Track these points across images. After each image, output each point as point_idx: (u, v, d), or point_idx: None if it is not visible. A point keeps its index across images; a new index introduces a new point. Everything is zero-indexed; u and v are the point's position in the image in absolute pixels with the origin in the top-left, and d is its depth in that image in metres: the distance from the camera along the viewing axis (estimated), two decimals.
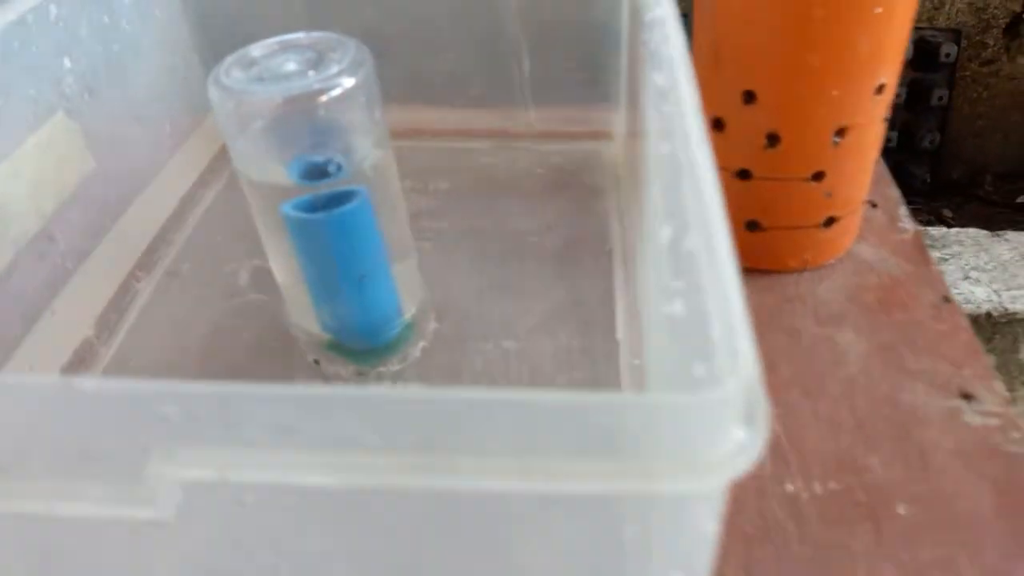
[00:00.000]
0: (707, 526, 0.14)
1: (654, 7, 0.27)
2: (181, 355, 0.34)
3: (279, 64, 0.26)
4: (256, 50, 0.27)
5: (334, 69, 0.26)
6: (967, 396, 0.32)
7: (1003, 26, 1.17)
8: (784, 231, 0.36)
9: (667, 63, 0.24)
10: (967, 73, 1.18)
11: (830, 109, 0.32)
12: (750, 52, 0.33)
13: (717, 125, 0.35)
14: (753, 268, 0.38)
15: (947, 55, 1.13)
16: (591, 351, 0.33)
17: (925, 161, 1.21)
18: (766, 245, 0.37)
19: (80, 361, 0.33)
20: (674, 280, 0.19)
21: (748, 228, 0.37)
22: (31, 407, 0.13)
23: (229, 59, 0.26)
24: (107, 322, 0.35)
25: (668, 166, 0.21)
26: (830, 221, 0.36)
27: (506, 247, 0.39)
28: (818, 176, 0.34)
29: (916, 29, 1.14)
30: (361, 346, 0.33)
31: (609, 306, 0.35)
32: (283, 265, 0.32)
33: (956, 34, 1.17)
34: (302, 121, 0.26)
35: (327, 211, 0.28)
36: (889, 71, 0.33)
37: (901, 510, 0.28)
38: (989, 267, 0.60)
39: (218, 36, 0.42)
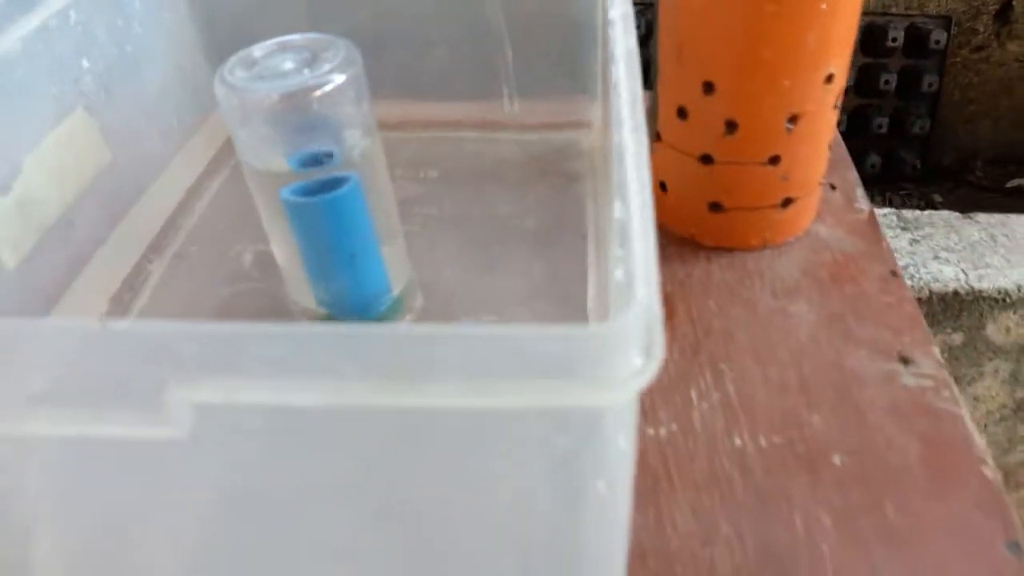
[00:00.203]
0: (620, 441, 0.17)
1: (612, 7, 0.30)
2: None
3: (277, 63, 0.30)
4: (257, 51, 0.30)
5: (326, 67, 0.29)
6: (905, 360, 0.35)
7: (993, 12, 1.18)
8: (745, 212, 0.39)
9: (619, 59, 0.27)
10: (957, 60, 1.20)
11: (782, 98, 0.35)
12: (709, 47, 0.36)
13: (681, 114, 0.38)
14: (717, 246, 0.41)
15: (937, 42, 1.15)
16: (563, 321, 0.36)
17: (915, 147, 1.24)
18: (728, 225, 0.40)
19: None
20: (619, 249, 0.22)
21: (711, 209, 0.40)
22: (69, 346, 0.17)
23: (232, 59, 0.30)
24: (121, 301, 0.39)
25: (615, 151, 0.24)
26: (787, 202, 0.39)
27: (490, 230, 0.42)
28: (774, 160, 0.37)
29: (906, 16, 1.16)
30: (353, 320, 0.36)
31: (582, 282, 0.38)
32: (282, 247, 0.35)
33: (946, 21, 1.19)
34: (298, 114, 0.29)
35: (321, 195, 0.31)
36: (837, 62, 0.36)
37: (836, 461, 0.31)
38: (959, 248, 0.62)
39: (223, 38, 0.45)
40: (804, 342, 0.36)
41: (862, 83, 1.17)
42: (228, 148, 0.48)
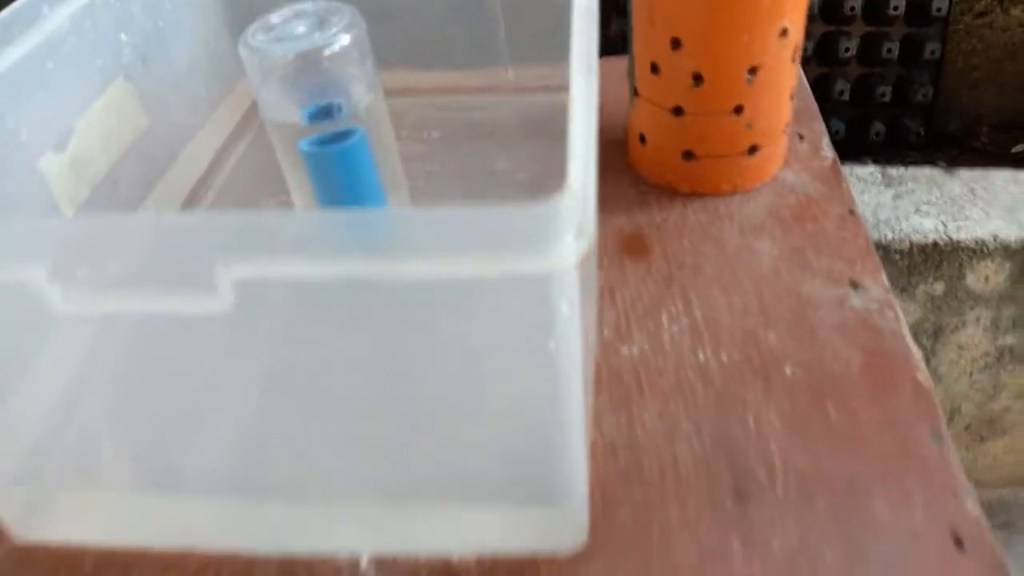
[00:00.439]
0: (564, 306, 0.21)
1: None
2: None
3: (292, 28, 0.34)
4: (274, 17, 0.35)
5: (334, 30, 0.34)
6: (855, 286, 0.39)
7: None
8: (714, 159, 0.43)
9: (577, 24, 0.31)
10: (960, 26, 1.21)
11: (741, 51, 0.39)
12: (676, 6, 0.39)
13: (653, 69, 0.42)
14: (691, 192, 0.45)
15: (938, 9, 1.16)
16: None
17: (919, 115, 1.26)
18: (700, 172, 0.44)
19: None
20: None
21: (684, 158, 0.44)
22: (137, 237, 0.21)
23: (253, 25, 0.34)
24: None
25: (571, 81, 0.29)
26: (753, 149, 0.43)
27: (486, 183, 0.46)
28: (738, 110, 0.41)
29: None
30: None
31: None
32: (301, 195, 0.40)
33: None
34: (310, 72, 0.34)
35: (333, 145, 0.35)
36: (791, 17, 0.39)
37: (788, 371, 0.35)
38: (939, 202, 0.65)
39: (243, 13, 0.50)
40: (766, 273, 0.40)
41: (864, 52, 1.19)
42: (251, 116, 0.53)
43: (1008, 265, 0.63)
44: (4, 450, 0.28)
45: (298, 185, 0.40)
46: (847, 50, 1.21)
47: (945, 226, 0.63)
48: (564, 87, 0.53)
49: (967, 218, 0.64)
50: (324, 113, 0.35)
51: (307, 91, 0.34)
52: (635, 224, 0.44)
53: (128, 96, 0.42)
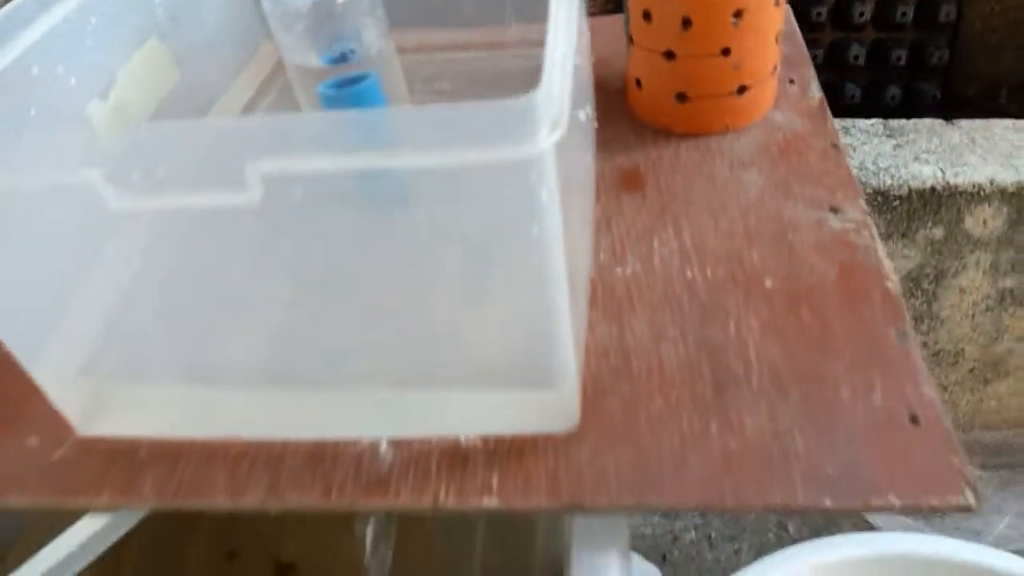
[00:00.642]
0: (544, 194, 0.25)
1: None
2: None
3: None
4: None
5: None
6: (834, 210, 0.42)
7: None
8: (706, 100, 0.46)
9: None
10: None
11: None
12: None
13: (646, 16, 0.45)
14: (686, 133, 0.48)
15: None
16: None
17: (934, 78, 1.26)
18: (693, 112, 0.47)
19: None
20: None
21: (678, 99, 0.47)
22: (179, 140, 0.25)
23: None
24: None
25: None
26: (742, 89, 0.46)
27: None
28: (726, 52, 0.44)
29: None
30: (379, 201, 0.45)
31: None
32: None
33: None
34: (326, 20, 0.37)
35: (348, 88, 0.39)
36: None
37: (767, 283, 0.38)
38: (939, 150, 0.67)
39: None
40: (752, 200, 0.43)
41: (879, 17, 1.20)
42: (274, 76, 0.57)
43: (1005, 209, 0.65)
44: (69, 348, 0.33)
45: None
46: (862, 15, 1.22)
47: (943, 172, 0.65)
48: None
49: (965, 164, 0.66)
50: (340, 57, 0.39)
51: (324, 37, 0.37)
52: (632, 162, 0.47)
53: (161, 53, 0.46)
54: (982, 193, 0.65)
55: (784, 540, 0.78)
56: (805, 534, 0.77)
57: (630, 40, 0.48)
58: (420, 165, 0.24)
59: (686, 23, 0.43)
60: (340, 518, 0.62)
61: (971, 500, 0.28)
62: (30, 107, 0.36)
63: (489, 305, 0.30)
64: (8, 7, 0.36)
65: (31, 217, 0.28)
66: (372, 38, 0.38)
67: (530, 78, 0.54)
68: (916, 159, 0.67)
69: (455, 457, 0.32)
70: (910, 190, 0.66)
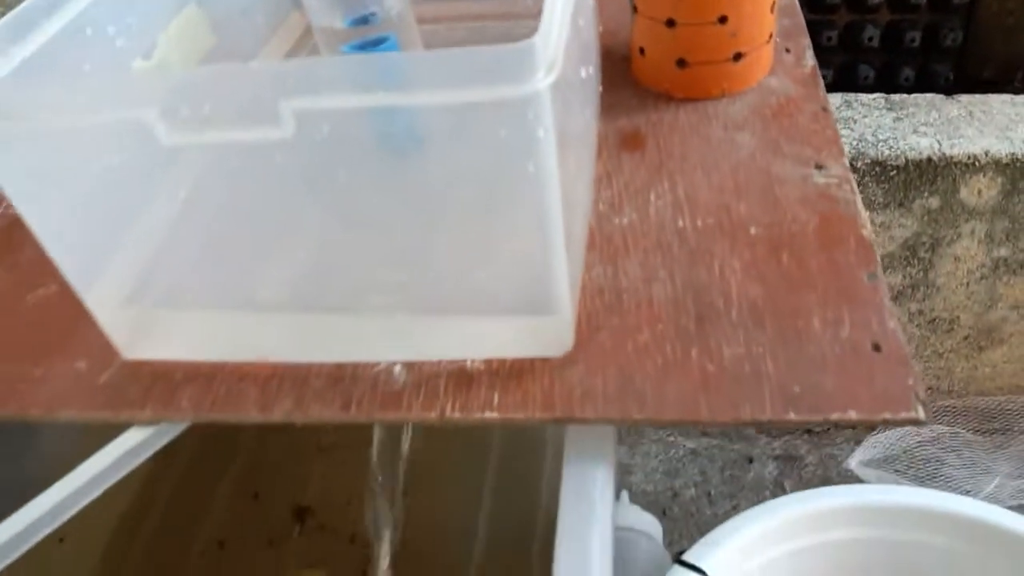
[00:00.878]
0: (540, 132, 0.28)
1: None
2: None
3: None
4: None
5: None
6: (819, 167, 0.45)
7: None
8: (704, 66, 0.49)
9: None
10: None
11: None
12: None
13: None
14: (686, 98, 0.51)
15: None
16: None
17: (948, 60, 1.27)
18: (692, 78, 0.50)
19: None
20: None
21: (678, 65, 0.50)
22: (220, 80, 0.29)
23: None
24: None
25: None
26: (739, 56, 0.49)
27: None
28: (723, 20, 0.47)
29: None
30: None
31: None
32: None
33: None
34: None
35: (369, 49, 0.43)
36: None
37: (752, 231, 0.42)
38: (937, 123, 0.69)
39: None
40: (743, 158, 0.46)
41: None
42: (300, 45, 0.60)
43: (1000, 179, 0.67)
44: (119, 278, 0.37)
45: None
46: None
47: (940, 144, 0.67)
48: None
49: (962, 136, 0.68)
50: (362, 20, 0.42)
51: (348, 1, 0.41)
52: (634, 124, 0.50)
53: (199, 18, 0.50)
54: (977, 164, 0.67)
55: None
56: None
57: (634, 9, 0.51)
58: (430, 102, 0.27)
59: None
60: (355, 467, 0.67)
61: (921, 414, 0.32)
62: (84, 63, 0.39)
63: (494, 240, 0.33)
64: None
65: (90, 153, 0.32)
66: (392, 2, 0.42)
67: None
68: (915, 131, 0.70)
69: (461, 378, 0.36)
70: (907, 160, 0.68)
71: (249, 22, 0.56)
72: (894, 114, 0.72)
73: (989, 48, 1.27)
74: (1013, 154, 0.66)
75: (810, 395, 0.33)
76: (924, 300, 0.76)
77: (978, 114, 0.70)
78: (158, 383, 0.39)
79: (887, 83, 1.25)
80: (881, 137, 0.69)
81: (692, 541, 0.54)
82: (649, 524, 0.72)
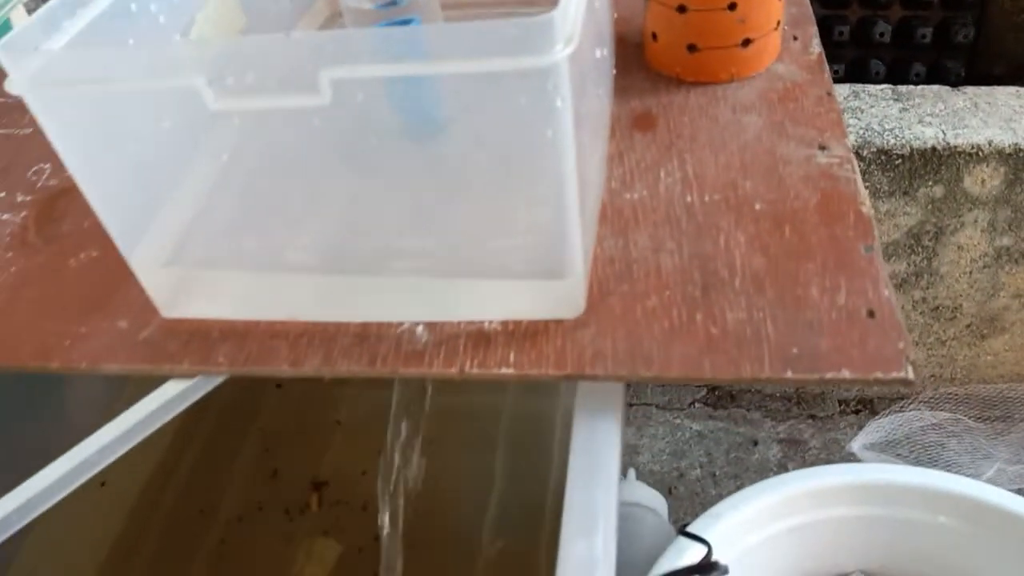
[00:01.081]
0: (558, 101, 0.30)
1: None
2: None
3: None
4: None
5: None
6: (823, 147, 0.47)
7: None
8: (714, 51, 0.52)
9: None
10: None
11: None
12: None
13: None
14: (696, 82, 0.53)
15: None
16: None
17: (959, 56, 1.28)
18: (702, 62, 0.52)
19: None
20: None
21: (689, 50, 0.52)
22: (265, 50, 0.31)
23: None
24: None
25: None
26: (747, 42, 0.51)
27: None
28: (732, 7, 0.49)
29: None
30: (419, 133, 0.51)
31: None
32: None
33: None
34: None
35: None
36: None
37: (756, 207, 0.44)
38: (943, 114, 0.71)
39: None
40: (749, 139, 0.48)
41: None
42: (328, 24, 0.63)
43: (1003, 169, 0.69)
44: (161, 239, 0.39)
45: None
46: None
47: (944, 134, 0.69)
48: None
49: (966, 126, 0.70)
50: (391, 2, 0.44)
51: None
52: (645, 107, 0.53)
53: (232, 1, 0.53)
54: (980, 154, 0.69)
55: None
56: None
57: None
58: (457, 71, 0.30)
59: None
60: (370, 444, 0.70)
61: (910, 374, 0.34)
62: (129, 37, 0.42)
63: (512, 207, 0.36)
64: None
65: (142, 118, 0.35)
66: None
67: None
68: (920, 121, 0.71)
69: (480, 337, 0.38)
70: (912, 150, 0.70)
71: (279, 3, 0.58)
72: (900, 104, 0.74)
73: (1000, 45, 1.29)
74: (1016, 144, 0.68)
75: (807, 356, 0.35)
76: (927, 288, 0.77)
77: (983, 105, 0.72)
78: (195, 339, 0.41)
79: (898, 79, 1.27)
80: (887, 127, 0.70)
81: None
82: (655, 500, 0.74)
